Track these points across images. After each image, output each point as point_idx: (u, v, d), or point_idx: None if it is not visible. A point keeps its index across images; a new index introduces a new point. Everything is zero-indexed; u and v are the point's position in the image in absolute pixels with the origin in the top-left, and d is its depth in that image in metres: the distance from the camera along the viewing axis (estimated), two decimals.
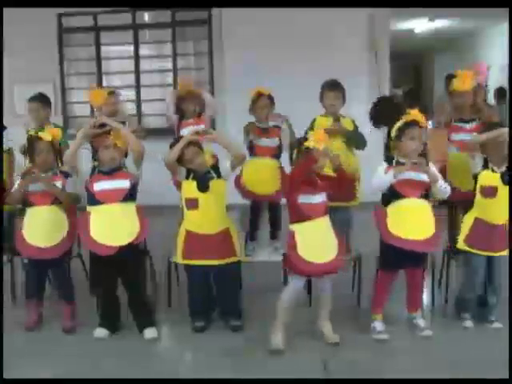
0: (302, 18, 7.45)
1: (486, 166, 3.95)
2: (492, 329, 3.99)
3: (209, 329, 4.06)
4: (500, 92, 9.05)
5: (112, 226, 3.84)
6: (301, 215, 3.67)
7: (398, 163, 3.81)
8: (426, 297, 4.47)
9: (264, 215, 4.80)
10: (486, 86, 12.14)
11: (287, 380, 3.36)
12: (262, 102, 4.58)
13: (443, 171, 4.47)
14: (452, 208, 4.53)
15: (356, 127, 4.50)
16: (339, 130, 4.36)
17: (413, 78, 18.49)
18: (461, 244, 3.99)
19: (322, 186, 3.69)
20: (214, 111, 4.83)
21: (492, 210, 3.91)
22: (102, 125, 3.94)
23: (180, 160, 3.92)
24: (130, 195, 3.90)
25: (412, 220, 3.78)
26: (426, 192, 3.84)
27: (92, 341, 3.93)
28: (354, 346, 3.77)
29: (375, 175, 3.81)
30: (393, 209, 3.79)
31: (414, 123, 3.77)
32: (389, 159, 3.89)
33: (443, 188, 3.82)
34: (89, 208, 3.90)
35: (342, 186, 3.75)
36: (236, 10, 7.31)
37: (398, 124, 3.84)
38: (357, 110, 4.77)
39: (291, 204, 3.70)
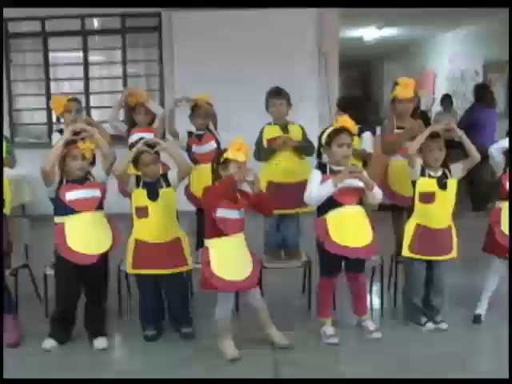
0: (251, 26, 7.49)
1: (423, 173, 4.03)
2: (439, 329, 4.09)
3: (160, 337, 4.05)
4: (446, 99, 9.24)
5: (89, 235, 3.81)
6: (216, 230, 3.66)
7: (332, 171, 3.85)
8: (375, 300, 4.59)
9: None
10: (433, 93, 12.51)
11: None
12: (201, 110, 4.67)
13: (384, 177, 4.60)
14: (397, 213, 4.62)
15: (305, 134, 4.56)
16: (288, 143, 4.39)
17: (362, 86, 18.81)
18: (406, 251, 4.06)
19: (242, 201, 3.70)
20: (161, 121, 4.82)
21: (432, 216, 4.00)
22: (76, 132, 3.85)
23: (135, 164, 3.91)
24: (100, 204, 3.89)
25: (352, 227, 3.83)
26: (361, 198, 3.89)
27: (40, 353, 3.85)
28: (305, 349, 3.82)
29: (311, 185, 3.83)
30: (332, 217, 3.82)
31: (343, 130, 3.83)
32: (321, 166, 3.94)
33: (377, 194, 3.88)
34: (60, 218, 3.82)
35: (261, 206, 3.76)
36: (187, 18, 7.31)
37: (328, 131, 3.90)
38: (306, 117, 4.84)
39: (208, 218, 3.70)
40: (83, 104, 7.83)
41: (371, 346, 3.90)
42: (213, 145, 4.68)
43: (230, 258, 3.67)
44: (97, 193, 3.87)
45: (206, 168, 4.32)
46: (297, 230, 4.57)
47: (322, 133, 3.98)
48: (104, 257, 3.94)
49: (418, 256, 4.05)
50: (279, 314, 3.99)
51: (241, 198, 3.69)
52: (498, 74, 10.33)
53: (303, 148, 4.45)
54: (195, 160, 4.66)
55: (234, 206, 3.66)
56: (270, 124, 4.55)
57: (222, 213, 3.63)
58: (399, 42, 13.38)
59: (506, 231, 4.04)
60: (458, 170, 4.06)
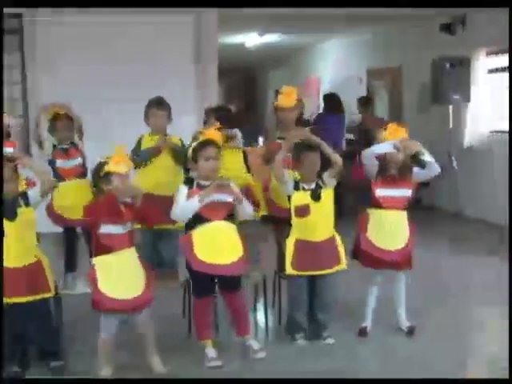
0: (123, 31, 7.38)
1: (297, 187, 4.12)
2: (325, 345, 4.18)
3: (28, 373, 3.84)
4: (363, 100, 9.44)
5: None
6: (102, 247, 3.60)
7: (199, 186, 3.86)
8: (259, 317, 4.62)
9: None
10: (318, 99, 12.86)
11: None
12: (60, 122, 4.54)
13: (266, 188, 4.66)
14: (279, 225, 4.67)
15: (184, 146, 4.55)
16: (168, 145, 4.38)
17: (246, 94, 19.04)
18: (289, 269, 4.11)
19: (127, 214, 3.65)
20: (16, 133, 4.65)
21: (310, 229, 4.09)
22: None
23: None
24: None
25: (219, 243, 3.83)
26: (230, 213, 3.90)
27: None
28: (187, 374, 3.79)
29: (177, 201, 3.82)
30: (198, 233, 3.81)
31: (209, 143, 3.86)
32: (188, 181, 3.93)
33: (247, 209, 3.92)
34: None
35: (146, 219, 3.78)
36: (51, 21, 7.09)
37: (194, 145, 3.92)
38: (184, 126, 4.84)
39: (93, 235, 3.64)
40: None
41: (256, 366, 3.92)
42: (78, 160, 4.58)
43: (118, 276, 3.62)
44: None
45: (70, 184, 4.21)
46: (175, 247, 4.51)
47: (188, 147, 4.01)
48: None
49: (300, 272, 4.11)
50: (158, 339, 3.90)
51: (126, 212, 3.63)
52: (381, 81, 10.86)
53: (179, 155, 4.42)
54: (59, 175, 4.51)
55: (118, 220, 3.60)
56: (148, 134, 4.53)
57: (106, 229, 3.58)
58: (283, 49, 13.68)
59: (373, 239, 4.18)
60: (329, 178, 4.16)
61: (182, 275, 4.49)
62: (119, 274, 3.64)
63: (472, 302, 5.08)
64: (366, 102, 9.27)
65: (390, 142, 4.12)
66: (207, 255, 3.77)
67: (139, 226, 4.04)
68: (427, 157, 4.18)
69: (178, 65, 7.62)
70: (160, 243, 4.55)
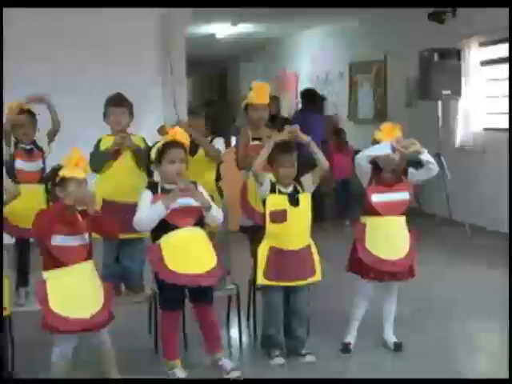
0: (84, 27, 7.40)
1: (273, 189, 4.14)
2: (304, 362, 4.20)
3: None
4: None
5: None
6: (54, 260, 3.57)
7: (164, 190, 3.86)
8: (232, 333, 4.66)
9: None
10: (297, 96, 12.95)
11: None
12: (21, 117, 4.56)
13: (243, 193, 4.71)
14: (255, 233, 4.68)
15: (146, 144, 4.56)
16: (126, 143, 4.39)
17: (218, 89, 19.08)
18: (260, 279, 4.13)
19: (84, 224, 3.65)
20: None
21: (286, 236, 4.11)
22: None
23: None
24: None
25: (190, 252, 3.84)
26: (200, 219, 3.91)
27: None
28: None
29: (140, 207, 3.82)
30: (167, 241, 3.81)
31: (174, 144, 3.87)
32: (151, 185, 3.94)
33: (214, 214, 3.92)
34: None
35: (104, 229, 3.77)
36: (20, 18, 7.06)
37: (157, 146, 3.92)
38: (150, 127, 4.86)
39: (43, 247, 3.60)
40: None
41: None
42: (40, 164, 4.58)
43: (72, 293, 3.59)
44: None
45: (26, 190, 4.19)
46: (140, 258, 4.52)
47: (151, 148, 4.02)
48: None
49: (273, 283, 4.13)
50: (122, 358, 3.91)
51: (81, 221, 3.62)
52: (364, 75, 10.95)
53: (141, 155, 4.44)
54: (15, 177, 4.47)
55: (73, 230, 3.59)
56: (108, 135, 4.53)
57: (58, 240, 3.55)
58: (256, 40, 13.73)
59: (372, 249, 4.22)
60: (308, 182, 4.20)
61: (148, 288, 4.52)
62: (73, 290, 3.60)
63: (465, 318, 5.11)
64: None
65: (386, 142, 4.11)
66: (179, 265, 3.78)
67: (98, 237, 4.04)
68: (426, 155, 4.19)
69: (142, 58, 7.65)
70: (123, 254, 4.54)
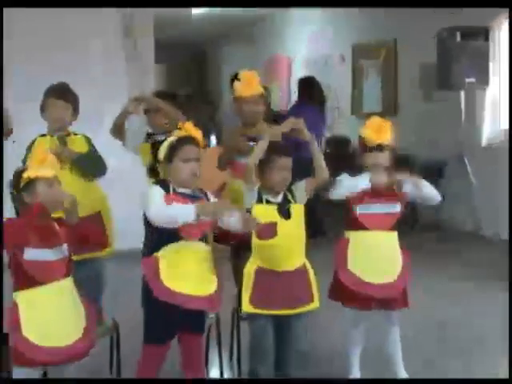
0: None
1: (259, 198, 4.14)
2: None
3: None
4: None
5: None
6: (28, 279, 3.58)
7: (177, 192, 3.86)
8: (212, 372, 4.67)
9: None
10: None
11: None
12: None
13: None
14: (237, 250, 4.71)
15: (92, 147, 4.61)
16: (62, 154, 4.38)
17: (196, 77, 19.10)
18: (246, 306, 4.11)
19: (61, 234, 3.67)
20: None
21: (276, 255, 4.09)
22: None
23: None
24: None
25: (192, 269, 3.85)
26: (206, 233, 3.94)
27: None
28: None
29: (154, 201, 3.77)
30: (165, 255, 3.81)
31: (188, 140, 3.91)
32: (161, 183, 3.93)
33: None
34: None
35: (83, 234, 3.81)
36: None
37: (170, 140, 3.94)
38: (108, 122, 4.91)
39: (14, 262, 3.60)
40: None
41: None
42: None
43: (49, 317, 3.61)
44: None
45: None
46: (96, 281, 4.56)
47: (155, 144, 4.01)
48: None
49: (261, 311, 4.11)
50: None
51: (59, 230, 3.66)
52: (371, 61, 10.97)
53: (86, 163, 4.46)
54: None
55: (48, 242, 3.61)
56: (43, 136, 4.58)
57: (32, 254, 3.57)
58: (241, 19, 13.76)
59: (356, 270, 4.23)
60: (301, 191, 4.20)
61: (109, 318, 4.53)
62: (51, 314, 3.61)
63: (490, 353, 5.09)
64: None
65: (364, 176, 4.21)
66: (178, 283, 3.78)
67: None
68: (426, 188, 4.29)
69: (101, 40, 7.70)
70: (76, 278, 4.54)
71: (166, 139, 4.00)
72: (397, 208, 4.31)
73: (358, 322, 4.39)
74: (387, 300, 4.27)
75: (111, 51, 7.77)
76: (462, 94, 8.26)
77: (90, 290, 4.50)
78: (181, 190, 3.91)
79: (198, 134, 3.99)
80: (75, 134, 4.61)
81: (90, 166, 4.53)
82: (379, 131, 4.26)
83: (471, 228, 8.37)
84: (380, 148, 4.27)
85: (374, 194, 4.26)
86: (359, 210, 4.26)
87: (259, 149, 4.15)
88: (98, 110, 4.81)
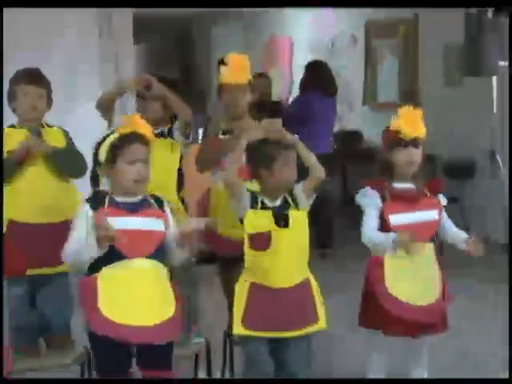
0: None
1: (254, 202, 4.12)
2: None
3: None
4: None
5: None
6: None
7: (113, 203, 3.84)
8: None
9: None
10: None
11: None
12: None
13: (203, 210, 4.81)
14: (226, 265, 4.77)
15: (69, 140, 4.63)
16: (36, 148, 4.42)
17: (182, 61, 19.19)
18: (238, 327, 4.12)
19: None
20: None
21: (272, 269, 4.07)
22: None
23: None
24: None
25: (138, 295, 3.82)
26: (159, 248, 3.91)
27: None
28: None
29: (71, 235, 3.81)
30: (107, 277, 3.79)
31: (134, 138, 3.86)
32: (95, 198, 3.91)
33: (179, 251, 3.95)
34: None
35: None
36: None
37: (110, 139, 3.89)
38: (85, 112, 4.90)
39: None
40: None
41: None
42: None
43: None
44: None
45: None
46: (65, 302, 4.57)
47: (100, 143, 4.01)
48: None
49: (256, 333, 4.11)
50: None
51: None
52: (388, 41, 10.98)
53: (62, 160, 4.48)
54: None
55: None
56: (12, 127, 4.60)
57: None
58: None
59: (397, 292, 4.23)
60: (300, 192, 4.18)
61: (80, 345, 4.51)
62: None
63: None
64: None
65: (390, 237, 4.23)
66: (119, 312, 3.75)
67: None
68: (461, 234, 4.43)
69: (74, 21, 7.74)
70: (39, 297, 4.57)
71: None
72: (434, 216, 4.37)
73: (382, 347, 4.41)
74: (429, 324, 4.30)
75: (85, 33, 7.85)
76: (494, 80, 8.24)
77: (58, 309, 4.54)
78: (121, 199, 3.88)
79: (146, 129, 3.95)
80: (49, 126, 4.62)
81: (69, 162, 4.52)
82: (415, 123, 4.27)
83: (501, 236, 8.33)
84: (415, 143, 4.28)
85: (408, 200, 4.29)
86: (394, 220, 4.29)
87: (233, 160, 4.16)
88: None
